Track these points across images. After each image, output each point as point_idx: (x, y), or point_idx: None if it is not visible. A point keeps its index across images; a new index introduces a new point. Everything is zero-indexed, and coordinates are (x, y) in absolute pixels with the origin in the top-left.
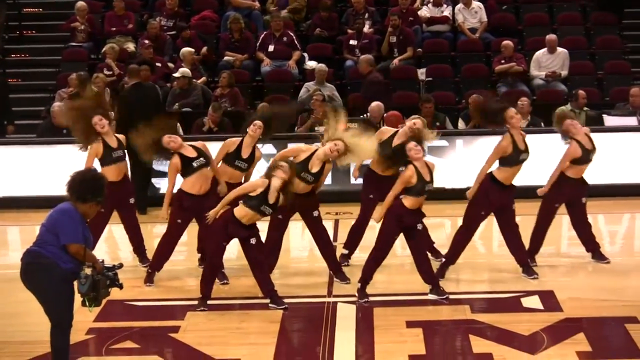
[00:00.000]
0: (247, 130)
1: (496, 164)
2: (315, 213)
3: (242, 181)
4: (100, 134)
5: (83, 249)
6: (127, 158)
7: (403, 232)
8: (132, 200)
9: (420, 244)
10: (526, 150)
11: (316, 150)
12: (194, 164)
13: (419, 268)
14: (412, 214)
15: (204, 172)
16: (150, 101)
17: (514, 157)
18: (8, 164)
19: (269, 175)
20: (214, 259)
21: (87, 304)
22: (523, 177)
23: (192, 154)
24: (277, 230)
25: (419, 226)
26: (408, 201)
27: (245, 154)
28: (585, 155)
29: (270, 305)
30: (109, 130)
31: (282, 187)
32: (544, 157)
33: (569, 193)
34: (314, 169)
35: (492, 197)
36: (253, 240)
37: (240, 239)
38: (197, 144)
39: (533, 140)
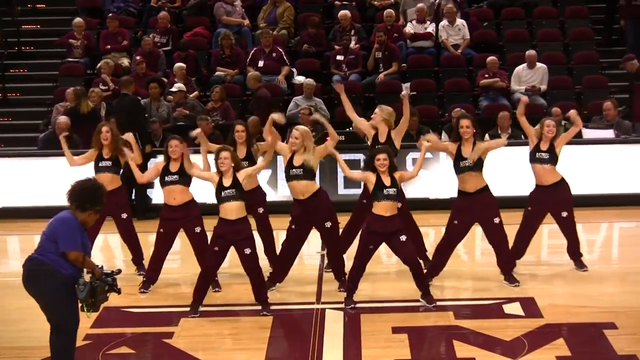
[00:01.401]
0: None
1: None
2: (328, 224)
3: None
4: (102, 143)
5: (82, 256)
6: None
7: (386, 243)
8: (124, 215)
9: (407, 254)
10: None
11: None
12: (165, 178)
13: (412, 274)
14: (378, 219)
15: (175, 187)
16: (133, 111)
17: (456, 163)
18: (8, 176)
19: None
20: (207, 266)
21: (85, 309)
22: (505, 188)
23: (174, 168)
24: (290, 242)
25: (402, 238)
26: (374, 207)
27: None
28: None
29: (262, 313)
30: (109, 143)
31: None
32: (524, 169)
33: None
34: (298, 162)
35: (456, 205)
36: (247, 250)
37: (235, 246)
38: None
39: (513, 152)
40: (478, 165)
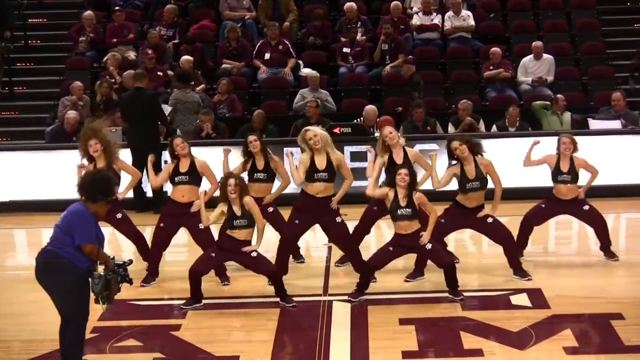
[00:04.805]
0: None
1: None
2: (339, 219)
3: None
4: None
5: (96, 249)
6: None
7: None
8: (119, 215)
9: (431, 257)
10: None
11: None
12: (175, 179)
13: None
14: (399, 237)
15: (184, 187)
16: (151, 107)
17: (463, 184)
18: (15, 169)
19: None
20: (194, 269)
21: (100, 302)
22: (512, 179)
23: (183, 168)
24: (291, 234)
25: (428, 246)
26: (394, 226)
27: (260, 165)
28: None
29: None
30: (100, 155)
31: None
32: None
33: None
34: (322, 166)
35: (451, 211)
36: (254, 254)
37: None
38: (200, 162)
39: (521, 144)
40: (484, 184)
